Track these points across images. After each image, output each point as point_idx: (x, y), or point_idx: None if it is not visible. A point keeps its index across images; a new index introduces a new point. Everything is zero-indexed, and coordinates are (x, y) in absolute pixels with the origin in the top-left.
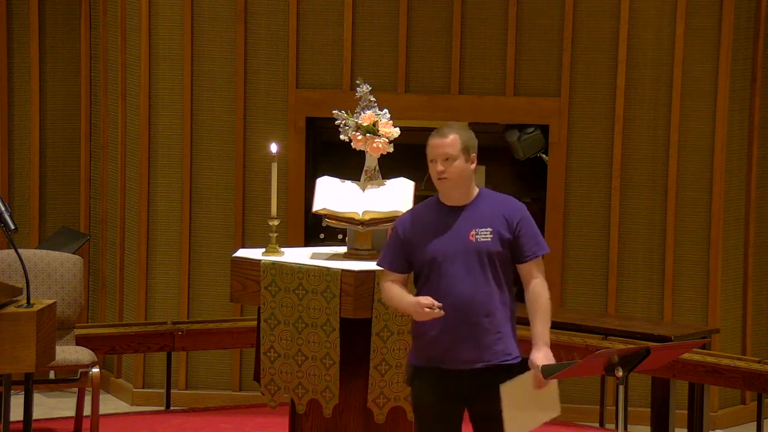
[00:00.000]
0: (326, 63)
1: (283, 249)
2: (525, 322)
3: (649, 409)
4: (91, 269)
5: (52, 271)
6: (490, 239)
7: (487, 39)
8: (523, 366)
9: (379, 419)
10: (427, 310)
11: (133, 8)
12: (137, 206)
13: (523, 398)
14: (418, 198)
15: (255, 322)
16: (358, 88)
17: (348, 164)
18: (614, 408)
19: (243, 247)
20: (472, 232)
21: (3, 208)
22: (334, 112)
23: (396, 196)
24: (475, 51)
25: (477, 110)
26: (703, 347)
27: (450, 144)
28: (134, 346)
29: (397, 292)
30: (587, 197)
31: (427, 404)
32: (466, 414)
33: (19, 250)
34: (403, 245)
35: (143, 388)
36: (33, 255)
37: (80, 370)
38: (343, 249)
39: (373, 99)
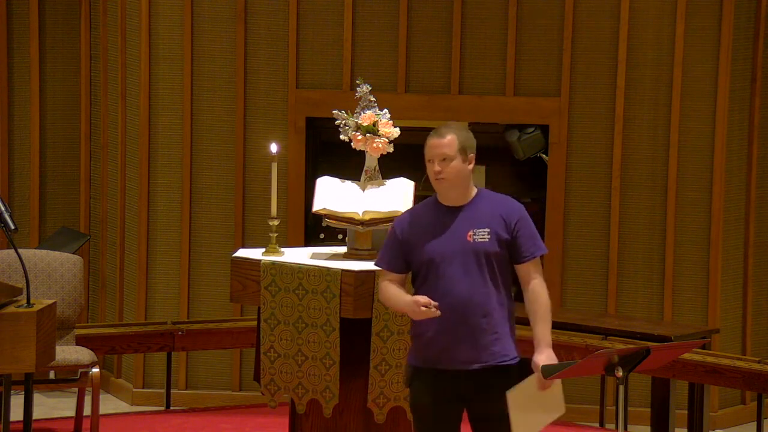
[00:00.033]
0: (326, 63)
1: (283, 249)
2: (524, 322)
3: (649, 409)
4: (91, 269)
5: (52, 271)
6: (487, 240)
7: (487, 39)
8: (522, 367)
9: (379, 419)
10: (424, 309)
11: (133, 8)
12: (137, 206)
13: (530, 401)
14: (418, 198)
15: (255, 322)
16: (358, 88)
17: (348, 164)
18: (614, 408)
19: (243, 247)
20: (470, 233)
21: (3, 208)
22: (334, 112)
23: (396, 196)
24: (475, 51)
25: (477, 110)
26: (703, 347)
27: (447, 144)
28: (134, 346)
29: (394, 292)
30: (587, 197)
31: (425, 405)
32: (465, 414)
33: (19, 250)
34: (401, 245)
35: (143, 388)
36: (33, 255)
37: (80, 370)
38: (343, 249)
39: (373, 99)
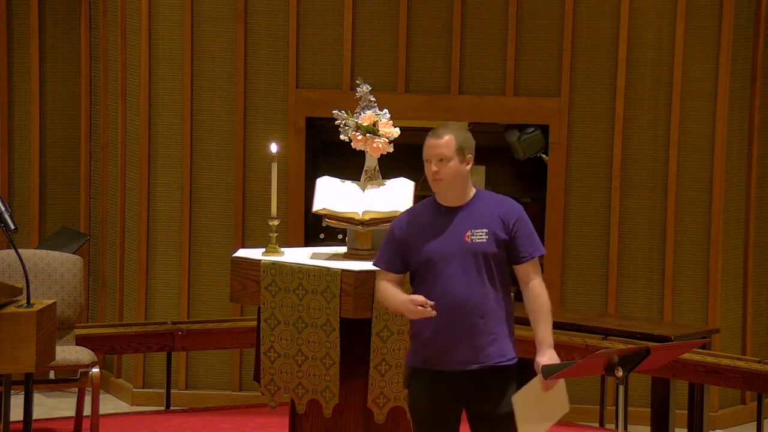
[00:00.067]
0: (326, 63)
1: (283, 249)
2: (524, 322)
3: (649, 409)
4: (91, 269)
5: (52, 271)
6: (485, 240)
7: (487, 39)
8: (522, 367)
9: (379, 419)
10: (420, 308)
11: (133, 8)
12: (137, 206)
13: (535, 403)
14: (418, 198)
15: (255, 322)
16: (358, 88)
17: (348, 164)
18: (614, 408)
19: (243, 247)
20: (468, 233)
21: (3, 208)
22: (334, 112)
23: (396, 196)
24: (475, 51)
25: (477, 110)
26: (703, 347)
27: (445, 145)
28: (134, 346)
29: (391, 292)
30: (587, 197)
31: (423, 406)
32: (464, 415)
33: (19, 250)
34: (399, 245)
35: (143, 388)
36: (33, 255)
37: (80, 370)
38: (343, 249)
39: (373, 99)
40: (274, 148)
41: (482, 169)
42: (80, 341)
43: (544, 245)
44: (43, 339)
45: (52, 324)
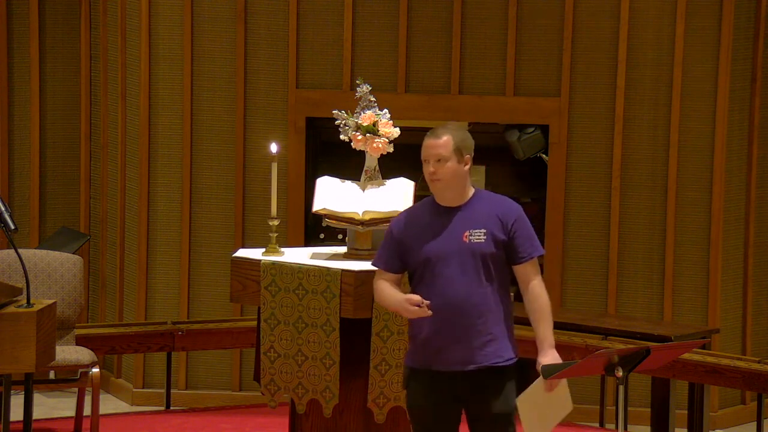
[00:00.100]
0: (326, 63)
1: (283, 249)
2: (524, 322)
3: (649, 409)
4: (91, 269)
5: (52, 271)
6: (483, 240)
7: (487, 39)
8: (522, 367)
9: (379, 419)
10: (416, 308)
11: (133, 8)
12: (137, 206)
13: (539, 404)
14: (418, 198)
15: (255, 322)
16: (358, 88)
17: (348, 164)
18: (614, 408)
19: (243, 247)
20: (466, 233)
21: (3, 208)
22: (334, 112)
23: (396, 196)
24: (475, 51)
25: (477, 110)
26: (703, 347)
27: (442, 145)
28: (134, 346)
29: (388, 291)
30: (587, 197)
31: (421, 406)
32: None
33: (19, 250)
34: (398, 245)
35: (143, 388)
36: (33, 255)
37: (80, 370)
38: (343, 249)
39: (373, 99)
40: (274, 148)
41: (482, 169)
42: (80, 341)
43: (544, 245)
44: (43, 339)
45: (52, 324)
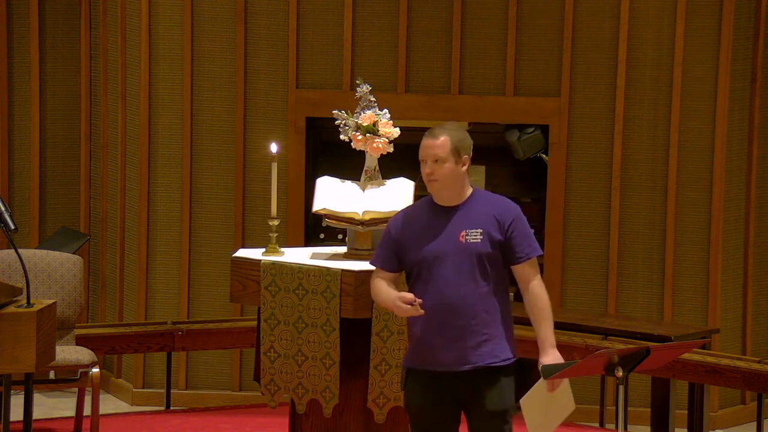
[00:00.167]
0: (326, 63)
1: (283, 249)
2: (523, 321)
3: (649, 409)
4: (91, 269)
5: (52, 271)
6: (479, 240)
7: (487, 39)
8: (522, 367)
9: (379, 419)
10: (408, 306)
11: (133, 8)
12: (137, 206)
13: (542, 404)
14: (417, 198)
15: (255, 322)
16: (358, 88)
17: (348, 164)
18: (614, 408)
19: (243, 247)
20: (463, 233)
21: (3, 208)
22: (334, 112)
23: (396, 196)
24: (475, 51)
25: (477, 110)
26: (703, 347)
27: (440, 146)
28: (134, 346)
29: (383, 289)
30: (587, 197)
31: (419, 406)
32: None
33: (19, 250)
34: (395, 245)
35: (143, 388)
36: (33, 255)
37: (80, 370)
38: (343, 249)
39: (373, 99)
40: (274, 148)
41: (482, 169)
42: (80, 341)
43: (544, 245)
44: (43, 339)
45: (52, 324)
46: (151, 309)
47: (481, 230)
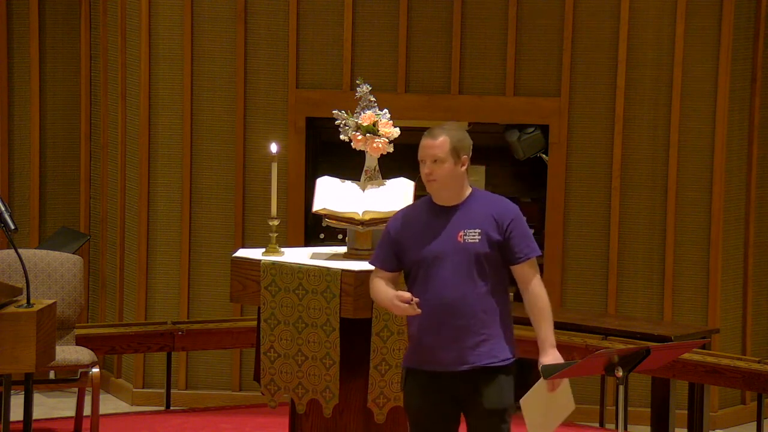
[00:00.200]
0: (326, 63)
1: (283, 249)
2: (523, 321)
3: (649, 409)
4: (91, 269)
5: (52, 271)
6: (477, 240)
7: (487, 39)
8: (522, 367)
9: (379, 419)
10: (405, 305)
11: (133, 8)
12: (137, 206)
13: (542, 404)
14: (417, 198)
15: (255, 322)
16: (358, 88)
17: (348, 164)
18: (614, 408)
19: (243, 247)
20: (461, 233)
21: (3, 208)
22: (334, 112)
23: (396, 196)
24: (475, 51)
25: (477, 110)
26: (703, 347)
27: (439, 146)
28: (134, 346)
29: (381, 288)
30: (587, 197)
31: (418, 406)
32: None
33: (19, 250)
34: (394, 244)
35: (143, 388)
36: (33, 255)
37: (80, 370)
38: (343, 249)
39: (373, 99)
40: (274, 148)
41: (482, 169)
42: (80, 341)
43: (544, 245)
44: (43, 339)
45: (52, 324)
46: (151, 309)
47: (479, 230)
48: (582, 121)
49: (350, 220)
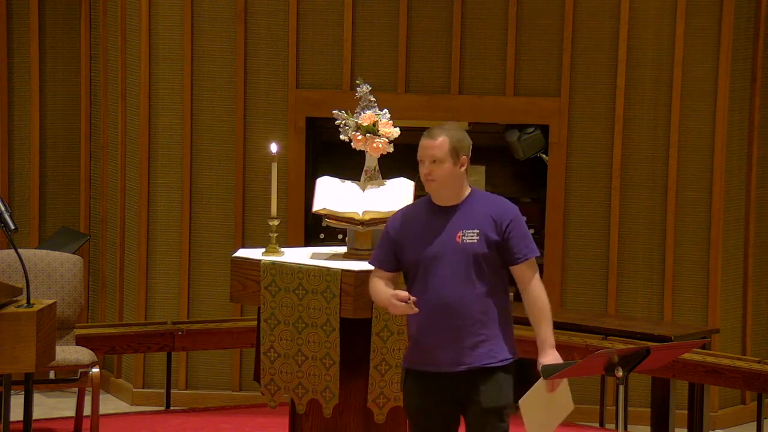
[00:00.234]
0: (326, 63)
1: (283, 249)
2: (523, 321)
3: (649, 409)
4: (91, 269)
5: (52, 271)
6: (476, 241)
7: (487, 39)
8: (521, 367)
9: (379, 419)
10: (402, 304)
11: (133, 8)
12: (137, 206)
13: (541, 404)
14: (417, 198)
15: (255, 322)
16: (358, 88)
17: (348, 164)
18: (614, 408)
19: (243, 247)
20: (459, 234)
21: (3, 208)
22: (334, 112)
23: (396, 196)
24: (475, 51)
25: (477, 110)
26: (703, 347)
27: (438, 146)
28: (134, 346)
29: (379, 287)
30: (587, 197)
31: (417, 406)
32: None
33: (19, 250)
34: (393, 244)
35: (143, 388)
36: (33, 255)
37: (80, 370)
38: (343, 249)
39: (373, 99)
40: (274, 148)
41: (482, 169)
42: (80, 341)
43: (544, 245)
44: (43, 339)
45: (52, 324)
46: (151, 309)
47: (478, 231)
48: (582, 121)
49: (350, 220)
